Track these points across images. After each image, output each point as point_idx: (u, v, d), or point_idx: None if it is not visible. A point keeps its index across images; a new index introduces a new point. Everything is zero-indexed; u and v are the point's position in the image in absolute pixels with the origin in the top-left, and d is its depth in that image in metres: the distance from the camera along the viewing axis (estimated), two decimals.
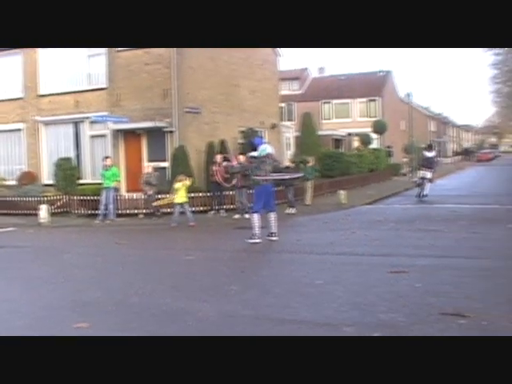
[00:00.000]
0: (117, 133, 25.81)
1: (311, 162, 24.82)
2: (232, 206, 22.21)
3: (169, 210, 20.99)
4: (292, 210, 21.38)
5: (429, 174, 25.58)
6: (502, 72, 61.09)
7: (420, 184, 26.06)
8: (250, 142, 15.69)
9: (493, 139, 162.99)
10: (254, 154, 14.34)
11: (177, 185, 19.47)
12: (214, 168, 21.73)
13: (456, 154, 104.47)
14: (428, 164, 26.09)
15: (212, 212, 22.06)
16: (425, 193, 25.34)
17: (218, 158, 22.19)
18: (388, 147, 52.46)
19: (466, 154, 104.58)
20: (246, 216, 19.39)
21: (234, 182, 20.85)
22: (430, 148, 27.48)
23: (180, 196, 19.29)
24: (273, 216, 14.21)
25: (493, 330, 6.22)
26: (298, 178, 20.21)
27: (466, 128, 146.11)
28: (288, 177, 18.11)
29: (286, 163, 22.63)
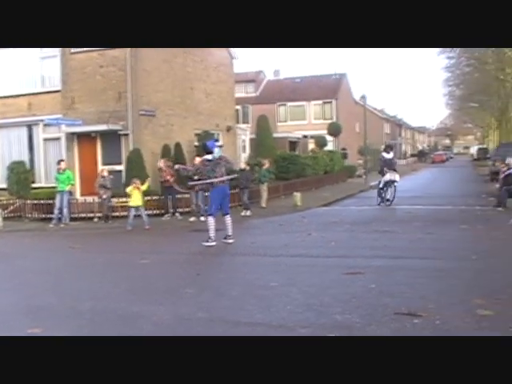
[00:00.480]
0: (71, 136, 25.55)
1: (266, 164, 24.85)
2: (187, 209, 22.21)
3: (124, 213, 20.91)
4: (247, 213, 21.37)
5: (398, 177, 23.46)
6: (454, 75, 62.12)
7: (383, 188, 23.47)
8: (202, 145, 15.65)
9: (446, 141, 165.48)
10: (209, 157, 14.33)
11: (128, 189, 19.39)
12: (163, 173, 21.77)
13: (411, 155, 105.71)
14: (391, 166, 23.60)
15: (167, 215, 21.97)
16: (388, 197, 23.11)
17: (161, 163, 22.24)
18: (343, 149, 52.84)
19: (421, 155, 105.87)
20: (202, 219, 19.53)
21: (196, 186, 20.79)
22: (388, 149, 25.03)
23: (135, 199, 19.19)
24: (228, 219, 14.27)
25: (446, 329, 6.31)
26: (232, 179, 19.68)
27: (421, 130, 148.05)
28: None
29: (242, 166, 22.62)
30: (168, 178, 21.49)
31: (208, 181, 14.26)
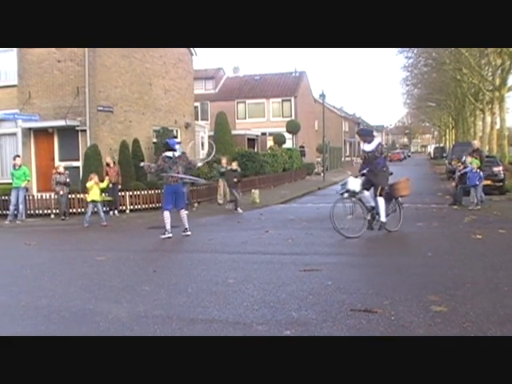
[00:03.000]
0: (27, 131, 25.29)
1: (224, 161, 24.67)
2: (145, 206, 22.34)
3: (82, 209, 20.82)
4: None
5: (356, 183, 14.15)
6: (412, 74, 62.74)
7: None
8: (164, 143, 15.93)
9: (404, 139, 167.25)
10: (169, 154, 14.72)
11: (88, 183, 19.26)
12: (107, 169, 21.89)
13: None
14: (370, 166, 14.29)
15: (110, 212, 21.94)
16: (382, 219, 14.00)
17: (108, 159, 22.66)
18: (301, 147, 52.98)
19: None
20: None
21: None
22: (366, 135, 15.14)
23: (92, 194, 19.05)
24: (183, 213, 15.14)
25: (400, 324, 6.38)
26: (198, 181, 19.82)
27: (379, 128, 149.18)
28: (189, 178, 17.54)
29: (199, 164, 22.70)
30: (111, 173, 21.80)
31: (180, 175, 14.86)
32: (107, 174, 21.54)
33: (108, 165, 22.23)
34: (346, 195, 14.28)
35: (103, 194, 20.17)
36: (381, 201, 14.01)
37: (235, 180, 21.80)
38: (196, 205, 22.37)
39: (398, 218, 14.66)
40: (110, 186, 21.56)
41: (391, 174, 14.64)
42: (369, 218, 14.12)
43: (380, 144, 14.62)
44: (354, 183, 14.20)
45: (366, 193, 14.30)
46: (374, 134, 15.55)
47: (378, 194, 14.04)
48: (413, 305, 7.20)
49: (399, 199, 14.74)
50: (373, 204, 14.18)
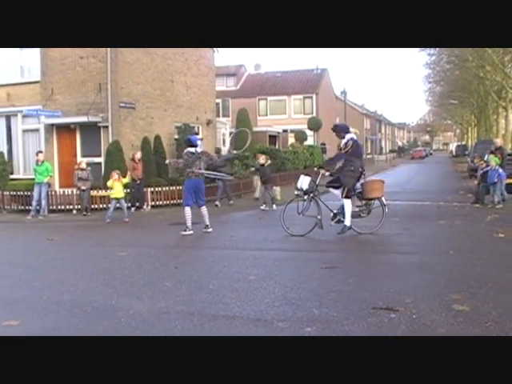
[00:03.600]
0: (50, 127, 25.44)
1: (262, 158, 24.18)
2: (166, 202, 22.38)
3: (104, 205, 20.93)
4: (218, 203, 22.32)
5: (303, 181, 14.09)
6: (434, 72, 62.37)
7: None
8: (186, 139, 16.02)
9: (426, 137, 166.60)
10: (191, 150, 15.03)
11: (109, 182, 19.34)
12: (134, 164, 21.92)
13: (390, 151, 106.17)
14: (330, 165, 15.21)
15: (133, 208, 21.85)
16: (347, 222, 13.75)
17: (138, 154, 22.66)
18: (322, 144, 52.86)
19: (400, 151, 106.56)
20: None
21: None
22: (341, 130, 14.24)
23: (116, 191, 19.12)
24: (204, 210, 15.09)
25: (422, 323, 6.35)
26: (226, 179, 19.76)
27: (401, 126, 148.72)
28: (219, 176, 17.94)
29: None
30: (138, 168, 21.89)
31: (202, 171, 15.01)
32: (135, 169, 21.61)
33: (134, 159, 22.18)
34: (296, 193, 14.34)
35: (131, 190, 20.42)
36: (347, 203, 13.66)
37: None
38: (217, 203, 22.29)
39: (379, 218, 13.97)
40: (138, 182, 21.67)
41: (363, 173, 14.06)
42: (320, 217, 13.61)
43: (350, 139, 13.65)
44: (303, 181, 14.03)
45: (336, 191, 14.04)
46: (351, 130, 14.53)
47: (343, 195, 13.65)
48: (435, 303, 7.16)
49: (383, 199, 14.03)
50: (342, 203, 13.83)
